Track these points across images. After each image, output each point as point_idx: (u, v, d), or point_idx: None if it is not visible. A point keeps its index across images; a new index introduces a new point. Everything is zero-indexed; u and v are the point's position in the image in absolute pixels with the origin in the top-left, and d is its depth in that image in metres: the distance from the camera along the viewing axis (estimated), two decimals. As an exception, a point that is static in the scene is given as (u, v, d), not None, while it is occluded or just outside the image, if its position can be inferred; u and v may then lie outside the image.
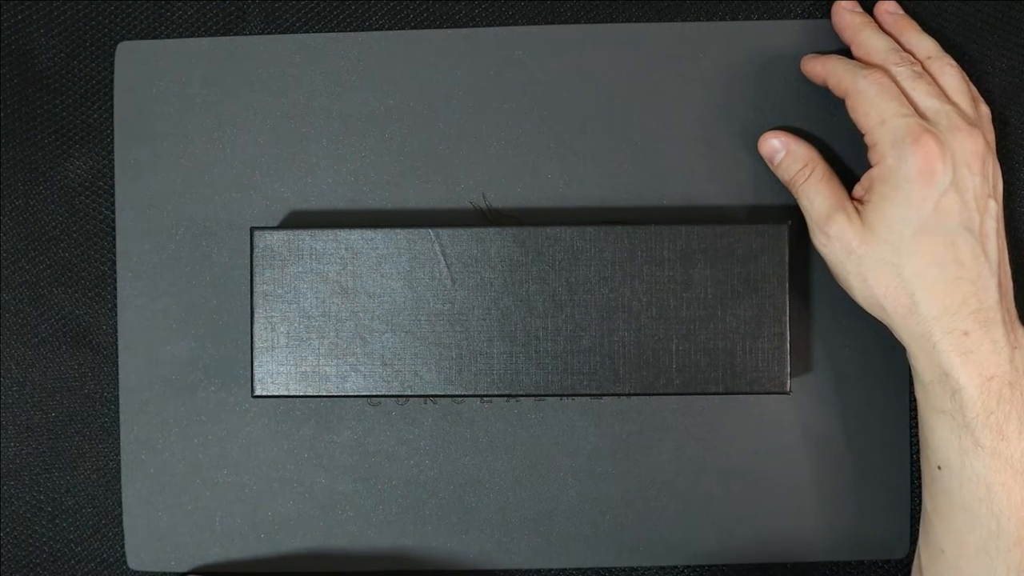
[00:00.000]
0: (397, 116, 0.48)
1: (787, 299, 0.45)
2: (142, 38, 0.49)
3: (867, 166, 0.44)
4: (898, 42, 0.45)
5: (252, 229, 0.45)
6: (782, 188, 0.47)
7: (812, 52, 0.47)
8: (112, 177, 0.49)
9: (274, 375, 0.45)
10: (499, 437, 0.48)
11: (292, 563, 0.48)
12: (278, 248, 0.45)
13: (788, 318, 0.45)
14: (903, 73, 0.44)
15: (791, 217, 0.47)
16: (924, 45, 0.45)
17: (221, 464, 0.48)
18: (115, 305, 0.49)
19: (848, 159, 0.48)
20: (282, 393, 0.45)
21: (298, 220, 0.48)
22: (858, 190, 0.44)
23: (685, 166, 0.48)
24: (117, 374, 0.48)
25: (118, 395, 0.48)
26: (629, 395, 0.45)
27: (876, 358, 0.48)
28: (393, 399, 0.48)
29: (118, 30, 0.49)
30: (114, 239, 0.49)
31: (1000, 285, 0.42)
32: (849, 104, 0.44)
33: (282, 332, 0.45)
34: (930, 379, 0.42)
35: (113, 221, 0.49)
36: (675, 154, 0.48)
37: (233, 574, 0.48)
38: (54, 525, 0.49)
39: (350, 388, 0.45)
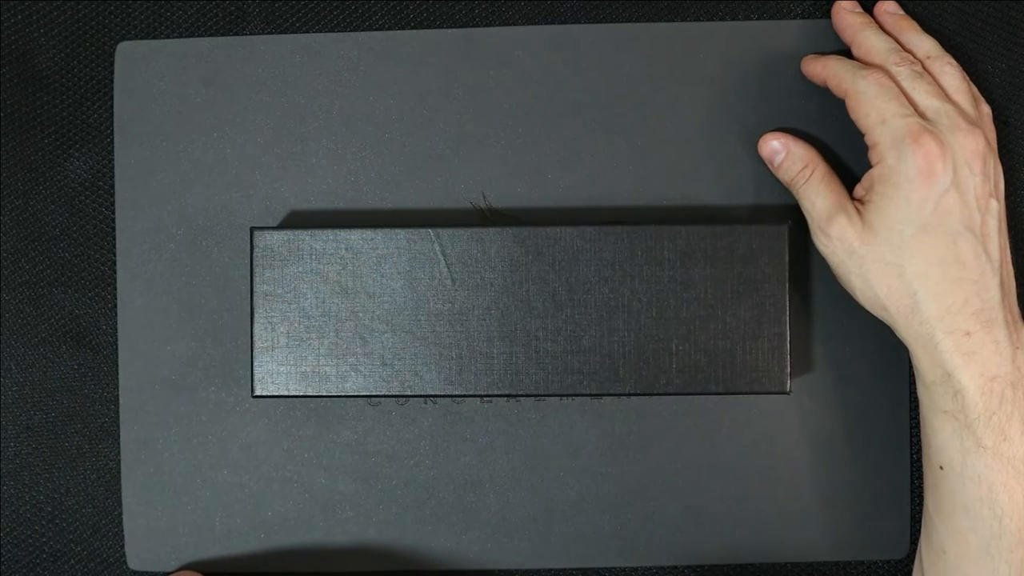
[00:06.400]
0: (397, 116, 0.48)
1: (787, 299, 0.45)
2: (142, 38, 0.49)
3: (867, 166, 0.44)
4: (898, 42, 0.45)
5: (252, 229, 0.45)
6: (782, 188, 0.47)
7: (812, 52, 0.47)
8: (112, 177, 0.49)
9: (274, 375, 0.45)
10: (499, 437, 0.48)
11: (292, 563, 0.48)
12: (278, 248, 0.45)
13: (788, 318, 0.45)
14: (903, 73, 0.44)
15: (791, 217, 0.47)
16: (924, 45, 0.45)
17: (221, 464, 0.48)
18: (115, 305, 0.49)
19: (848, 159, 0.48)
20: (282, 393, 0.45)
21: (298, 220, 0.48)
22: (859, 190, 0.44)
23: (685, 166, 0.48)
24: (117, 374, 0.48)
25: (118, 395, 0.48)
26: (629, 395, 0.45)
27: (877, 358, 0.48)
28: (393, 399, 0.48)
29: (118, 30, 0.49)
30: (114, 239, 0.49)
31: (1002, 285, 0.42)
32: (849, 104, 0.44)
33: (282, 332, 0.45)
34: (932, 379, 0.42)
35: (113, 221, 0.49)
36: (675, 154, 0.48)
37: (233, 573, 0.48)
38: (54, 525, 0.49)
39: (350, 388, 0.45)
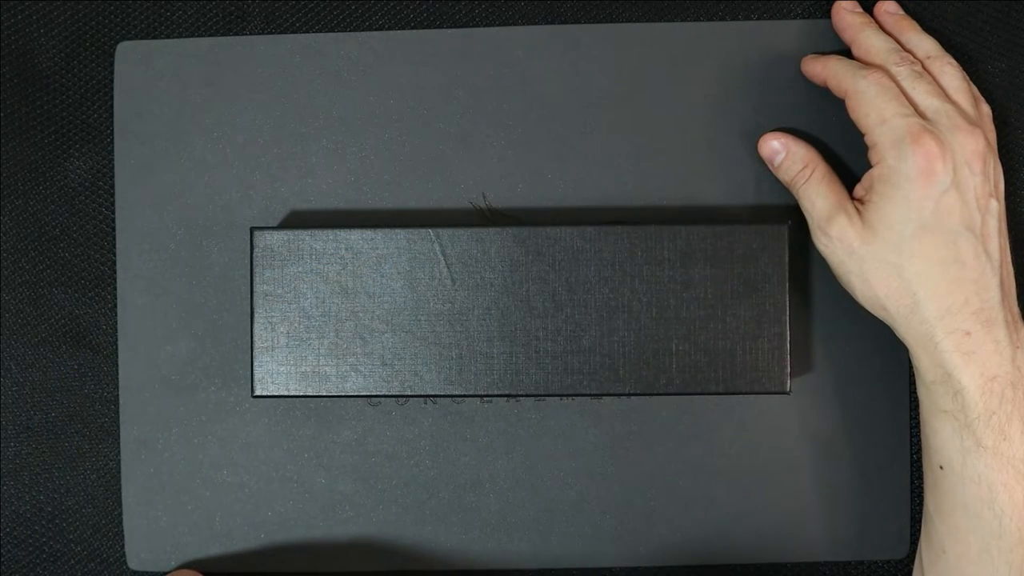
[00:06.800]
0: (397, 116, 0.48)
1: (787, 299, 0.45)
2: (142, 38, 0.49)
3: (867, 166, 0.44)
4: (898, 42, 0.45)
5: (252, 229, 0.46)
6: (782, 188, 0.47)
7: (812, 52, 0.47)
8: (112, 177, 0.49)
9: (274, 375, 0.45)
10: (499, 437, 0.48)
11: (292, 563, 0.48)
12: (278, 248, 0.45)
13: (788, 318, 0.45)
14: (903, 73, 0.44)
15: (791, 217, 0.47)
16: (924, 45, 0.45)
17: (221, 464, 0.48)
18: (115, 305, 0.49)
19: (848, 159, 0.48)
20: (282, 393, 0.45)
21: (298, 220, 0.48)
22: (859, 190, 0.44)
23: (685, 166, 0.48)
24: (117, 374, 0.48)
25: (118, 395, 0.48)
26: (629, 395, 0.45)
27: (876, 358, 0.48)
28: (393, 399, 0.48)
29: (118, 30, 0.49)
30: (114, 239, 0.49)
31: (1002, 284, 0.42)
32: (849, 104, 0.44)
33: (282, 332, 0.45)
34: (932, 379, 0.42)
35: (113, 221, 0.49)
36: (675, 154, 0.48)
37: (233, 573, 0.48)
38: (54, 525, 0.49)
39: (350, 388, 0.45)
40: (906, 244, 0.42)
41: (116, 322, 0.49)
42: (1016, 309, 0.43)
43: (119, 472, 0.49)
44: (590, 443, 0.48)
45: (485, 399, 0.48)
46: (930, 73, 0.44)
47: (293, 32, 0.49)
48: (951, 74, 0.44)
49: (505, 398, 0.48)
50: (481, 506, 0.48)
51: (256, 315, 0.45)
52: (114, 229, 0.49)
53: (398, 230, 0.45)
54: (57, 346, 0.49)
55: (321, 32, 0.49)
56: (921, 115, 0.43)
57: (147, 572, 0.49)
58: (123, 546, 0.49)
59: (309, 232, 0.45)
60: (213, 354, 0.48)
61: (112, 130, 0.49)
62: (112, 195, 0.49)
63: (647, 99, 0.48)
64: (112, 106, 0.49)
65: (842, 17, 0.46)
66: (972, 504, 0.41)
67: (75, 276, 0.49)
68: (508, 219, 0.48)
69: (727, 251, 0.45)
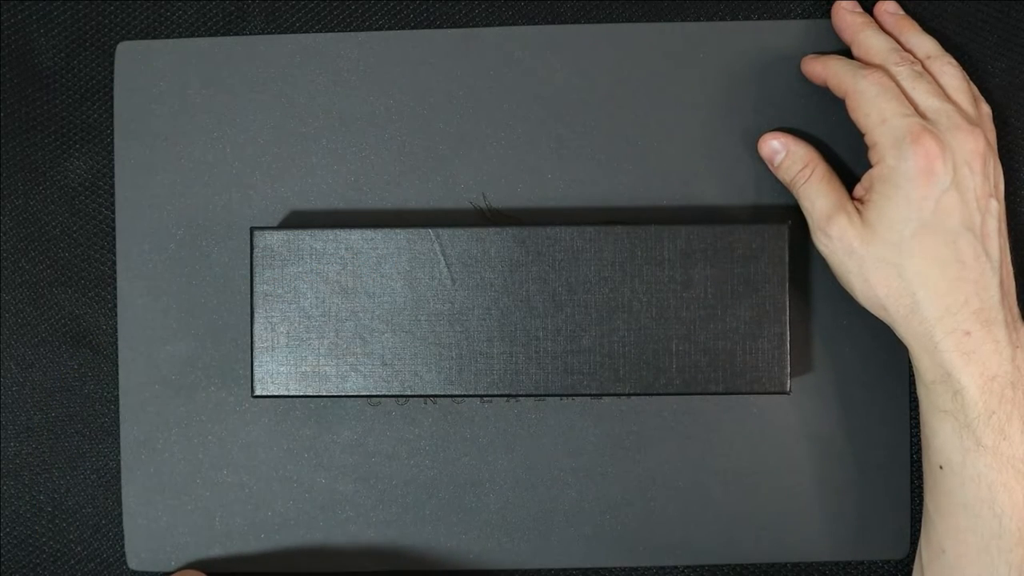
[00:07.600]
0: (397, 116, 0.48)
1: (787, 299, 0.45)
2: (142, 38, 0.49)
3: (867, 166, 0.44)
4: (898, 42, 0.46)
5: (252, 229, 0.46)
6: (782, 188, 0.47)
7: (812, 52, 0.47)
8: (112, 177, 0.49)
9: (274, 375, 0.45)
10: (499, 437, 0.48)
11: (292, 563, 0.48)
12: (278, 248, 0.45)
13: (788, 318, 0.45)
14: (903, 73, 0.44)
15: (791, 217, 0.47)
16: (924, 45, 0.45)
17: (221, 464, 0.48)
18: (115, 305, 0.49)
19: (848, 159, 0.48)
20: (282, 393, 0.45)
21: (298, 220, 0.48)
22: (859, 190, 0.44)
23: (685, 166, 0.48)
24: (117, 374, 0.48)
25: (118, 395, 0.48)
26: (629, 395, 0.45)
27: (876, 358, 0.48)
28: (393, 399, 0.48)
29: (118, 30, 0.49)
30: (114, 239, 0.49)
31: (1002, 284, 0.42)
32: (849, 104, 0.44)
33: (282, 332, 0.45)
34: (932, 379, 0.42)
35: (113, 221, 0.49)
36: (675, 154, 0.48)
37: (233, 573, 0.48)
38: (54, 525, 0.49)
39: (350, 388, 0.45)
40: (906, 244, 0.42)
41: (116, 322, 0.49)
42: (1016, 309, 0.43)
43: (119, 472, 0.49)
44: (590, 443, 0.48)
45: (485, 399, 0.48)
46: (930, 73, 0.44)
47: (293, 32, 0.49)
48: (951, 74, 0.44)
49: (505, 398, 0.48)
50: (481, 506, 0.48)
51: (256, 315, 0.45)
52: (114, 229, 0.49)
53: (398, 230, 0.45)
54: (57, 346, 0.49)
55: (321, 32, 0.49)
56: (921, 115, 0.43)
57: (147, 572, 0.49)
58: (123, 546, 0.49)
59: (309, 232, 0.45)
60: (213, 354, 0.48)
61: (112, 130, 0.49)
62: (112, 195, 0.49)
63: (647, 99, 0.48)
64: (112, 106, 0.49)
65: (842, 17, 0.46)
66: (972, 504, 0.41)
67: (75, 276, 0.49)
68: (508, 219, 0.48)
69: (727, 251, 0.45)
